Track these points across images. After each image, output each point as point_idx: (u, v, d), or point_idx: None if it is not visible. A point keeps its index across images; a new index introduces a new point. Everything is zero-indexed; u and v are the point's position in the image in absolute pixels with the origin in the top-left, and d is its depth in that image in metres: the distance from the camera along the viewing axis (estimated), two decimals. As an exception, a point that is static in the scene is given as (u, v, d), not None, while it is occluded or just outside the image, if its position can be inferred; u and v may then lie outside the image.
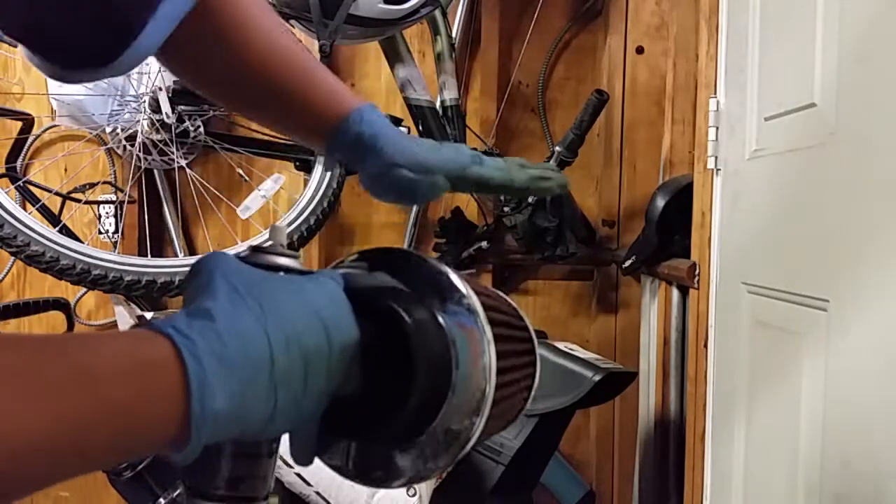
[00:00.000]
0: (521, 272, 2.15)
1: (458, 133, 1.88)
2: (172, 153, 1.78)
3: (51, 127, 2.08)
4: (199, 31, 0.62)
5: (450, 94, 1.88)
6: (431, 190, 0.72)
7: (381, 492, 1.41)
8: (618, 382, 1.61)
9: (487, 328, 0.47)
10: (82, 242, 1.66)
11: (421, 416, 0.45)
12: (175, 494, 1.44)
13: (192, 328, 0.38)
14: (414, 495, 1.43)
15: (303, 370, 0.41)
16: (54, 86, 1.89)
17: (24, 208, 1.73)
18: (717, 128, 1.36)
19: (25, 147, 2.08)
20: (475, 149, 0.77)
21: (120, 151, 2.01)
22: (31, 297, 1.61)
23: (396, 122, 1.76)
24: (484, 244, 1.97)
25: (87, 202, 1.98)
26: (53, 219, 1.86)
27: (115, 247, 1.93)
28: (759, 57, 1.21)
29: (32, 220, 1.58)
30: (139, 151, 1.80)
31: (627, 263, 1.79)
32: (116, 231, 2.02)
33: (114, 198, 2.06)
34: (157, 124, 1.74)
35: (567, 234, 1.87)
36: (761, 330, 1.17)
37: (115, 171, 2.08)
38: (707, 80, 1.41)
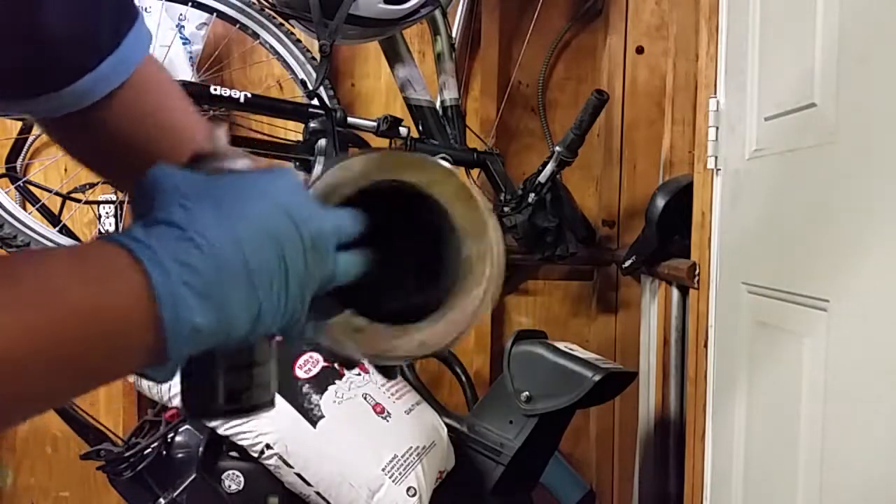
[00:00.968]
0: (520, 272, 2.14)
1: (459, 133, 1.88)
2: (172, 153, 1.77)
3: (51, 127, 2.08)
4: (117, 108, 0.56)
5: (450, 94, 1.88)
6: None
7: (382, 491, 1.41)
8: (618, 382, 1.61)
9: None
10: (82, 242, 1.65)
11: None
12: (175, 494, 1.44)
13: (150, 236, 0.37)
14: (414, 495, 1.43)
15: (279, 265, 0.39)
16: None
17: (24, 208, 1.73)
18: (717, 128, 1.36)
19: (25, 147, 2.07)
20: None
21: (120, 151, 2.00)
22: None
23: (396, 122, 1.76)
24: (484, 244, 1.97)
25: (87, 202, 1.97)
26: (53, 219, 1.86)
27: (115, 247, 1.93)
28: (759, 57, 1.21)
29: (32, 220, 1.58)
30: (139, 151, 1.79)
31: (627, 263, 1.79)
32: (116, 231, 2.02)
33: (114, 197, 2.06)
34: (157, 124, 1.73)
35: (567, 234, 1.87)
36: (761, 330, 1.16)
37: (115, 171, 2.08)
38: (707, 80, 1.41)
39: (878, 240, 0.85)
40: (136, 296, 0.35)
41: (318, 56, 1.66)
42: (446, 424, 1.61)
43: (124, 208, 2.03)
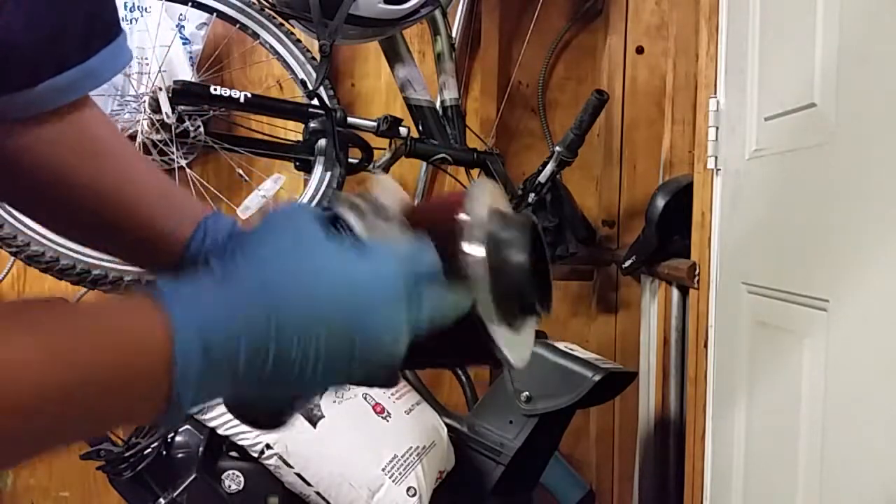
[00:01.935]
0: (521, 272, 2.14)
1: (459, 133, 1.88)
2: (172, 153, 1.77)
3: (51, 127, 2.08)
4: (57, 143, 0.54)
5: (450, 94, 1.88)
6: None
7: (382, 491, 1.41)
8: (618, 382, 1.61)
9: None
10: (82, 242, 1.65)
11: None
12: (175, 494, 1.44)
13: (188, 307, 0.38)
14: (414, 495, 1.43)
15: (313, 364, 0.38)
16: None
17: (24, 208, 1.73)
18: (717, 128, 1.36)
19: (25, 147, 2.07)
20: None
21: (120, 151, 2.00)
22: (30, 298, 1.61)
23: (396, 122, 1.77)
24: (484, 244, 1.97)
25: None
26: (53, 219, 1.86)
27: (115, 247, 1.93)
28: (759, 57, 1.21)
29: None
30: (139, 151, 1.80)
31: (627, 263, 1.79)
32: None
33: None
34: (157, 124, 1.73)
35: (567, 234, 1.87)
36: (761, 330, 1.16)
37: (115, 171, 2.08)
38: (707, 80, 1.41)
39: (878, 240, 0.85)
40: (159, 371, 0.37)
41: (318, 56, 1.66)
42: (446, 424, 1.61)
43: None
